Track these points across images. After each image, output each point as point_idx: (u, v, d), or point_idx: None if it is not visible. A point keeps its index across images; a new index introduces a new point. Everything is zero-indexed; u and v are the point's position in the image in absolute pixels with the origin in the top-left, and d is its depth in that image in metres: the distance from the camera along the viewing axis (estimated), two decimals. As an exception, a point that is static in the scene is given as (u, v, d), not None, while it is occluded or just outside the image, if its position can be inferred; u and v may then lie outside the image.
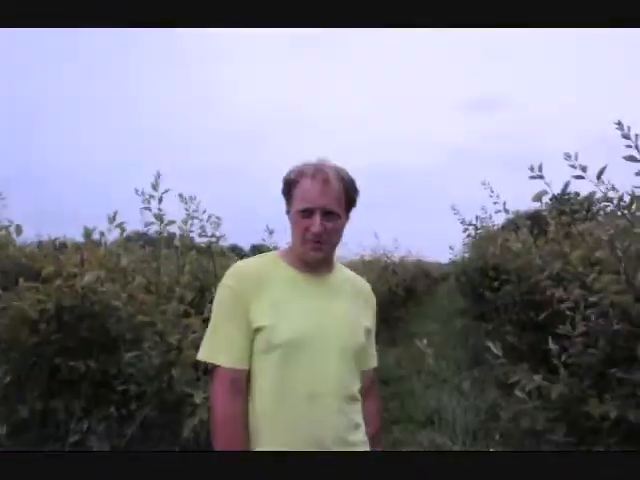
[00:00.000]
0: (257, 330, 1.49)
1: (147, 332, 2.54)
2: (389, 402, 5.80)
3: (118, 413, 2.54)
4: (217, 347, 1.51)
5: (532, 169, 2.58)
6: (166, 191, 2.92)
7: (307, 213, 1.50)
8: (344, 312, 1.58)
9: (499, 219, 6.54)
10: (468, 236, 7.68)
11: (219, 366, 1.48)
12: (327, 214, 1.50)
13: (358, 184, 1.60)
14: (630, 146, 2.20)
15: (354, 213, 1.63)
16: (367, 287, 1.75)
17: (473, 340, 7.80)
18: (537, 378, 2.26)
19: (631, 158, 2.20)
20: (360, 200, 1.62)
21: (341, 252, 10.69)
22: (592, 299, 2.34)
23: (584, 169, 2.32)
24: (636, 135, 2.21)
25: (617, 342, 2.14)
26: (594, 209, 4.62)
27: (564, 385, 2.21)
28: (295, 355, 1.47)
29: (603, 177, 2.29)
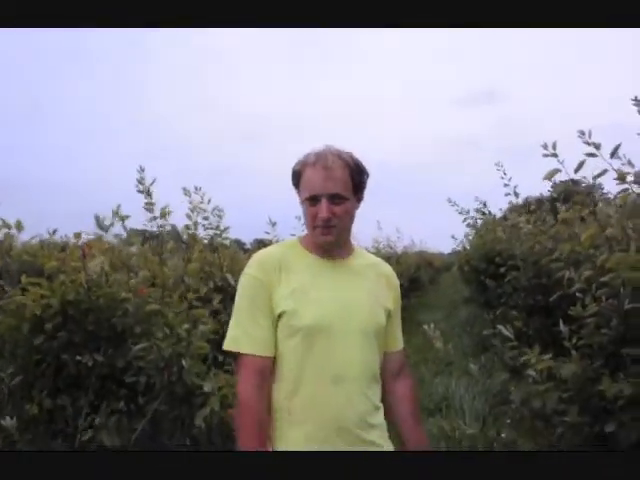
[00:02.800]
0: (280, 315, 1.52)
1: (156, 323, 2.52)
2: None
3: (127, 407, 2.53)
4: (242, 336, 1.53)
5: (545, 147, 2.53)
6: (153, 181, 2.86)
7: (314, 201, 1.54)
8: (364, 295, 1.60)
9: (503, 204, 6.53)
10: (468, 225, 7.70)
11: (245, 354, 1.51)
12: (333, 198, 1.53)
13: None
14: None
15: (363, 206, 1.66)
16: (389, 270, 1.76)
17: (478, 327, 7.79)
18: (548, 358, 2.24)
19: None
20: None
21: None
22: (603, 279, 2.31)
23: (597, 146, 2.28)
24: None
25: (629, 321, 2.11)
26: (600, 192, 4.61)
27: (576, 365, 2.19)
28: (317, 339, 1.50)
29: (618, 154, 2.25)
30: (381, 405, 1.62)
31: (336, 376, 1.49)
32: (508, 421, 3.63)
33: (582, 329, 2.36)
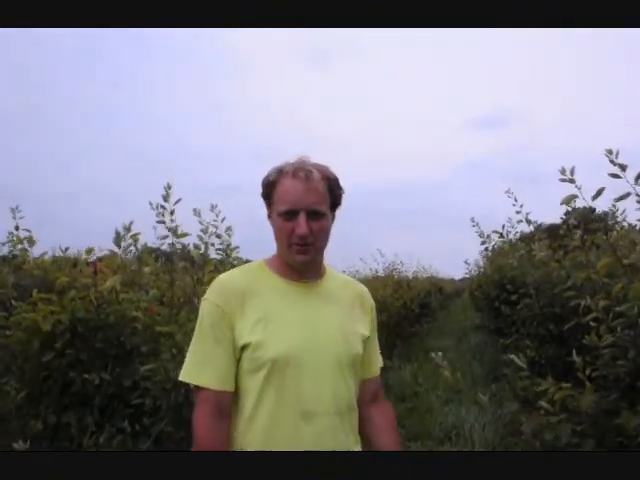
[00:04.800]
0: (243, 348, 1.39)
1: (164, 344, 2.49)
2: (405, 419, 5.73)
3: (132, 427, 2.49)
4: (200, 367, 1.40)
5: (563, 172, 2.50)
6: (178, 201, 2.87)
7: (290, 215, 1.39)
8: (338, 321, 1.48)
9: (518, 230, 6.50)
10: (486, 249, 7.64)
11: (203, 388, 1.38)
12: (312, 214, 1.40)
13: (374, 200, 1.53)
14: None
15: (374, 229, 1.57)
16: (363, 289, 1.64)
17: (490, 355, 7.69)
18: (565, 387, 2.19)
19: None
20: (375, 216, 1.56)
21: (356, 267, 10.72)
22: (619, 309, 2.27)
23: (623, 168, 2.23)
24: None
25: (647, 353, 2.07)
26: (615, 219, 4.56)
27: (592, 397, 2.14)
28: (285, 372, 1.37)
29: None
30: (358, 437, 1.52)
31: (307, 412, 1.37)
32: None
33: (597, 360, 2.31)
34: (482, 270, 9.04)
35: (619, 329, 2.31)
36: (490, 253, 7.87)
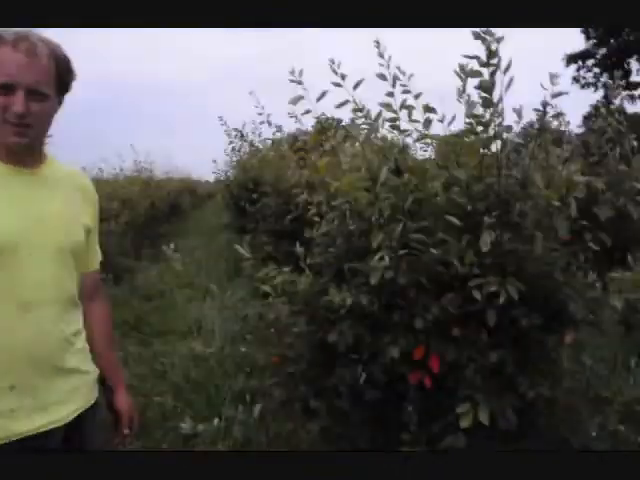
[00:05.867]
0: None
1: None
2: (150, 316, 5.81)
3: None
4: None
5: (292, 72, 2.57)
6: None
7: (6, 89, 1.25)
8: (59, 209, 1.41)
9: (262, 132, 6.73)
10: (232, 149, 7.78)
11: None
12: (33, 93, 1.27)
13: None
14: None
15: (131, 130, 1.46)
16: (87, 182, 1.58)
17: (235, 252, 8.01)
18: (284, 272, 2.42)
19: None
20: (122, 113, 1.46)
21: (99, 165, 10.12)
22: (334, 203, 2.52)
23: (343, 77, 2.38)
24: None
25: (352, 240, 2.36)
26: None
27: (306, 280, 2.40)
28: (2, 260, 1.28)
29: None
30: (83, 329, 1.51)
31: (27, 302, 1.31)
32: (248, 336, 3.86)
33: (314, 248, 2.57)
34: (230, 171, 9.22)
35: (334, 221, 2.57)
36: (237, 154, 8.05)
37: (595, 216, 2.51)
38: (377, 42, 2.38)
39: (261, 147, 6.48)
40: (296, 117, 2.75)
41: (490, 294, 2.00)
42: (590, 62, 23.96)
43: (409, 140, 2.46)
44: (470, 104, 2.18)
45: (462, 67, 2.08)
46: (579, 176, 2.14)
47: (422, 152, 3.23)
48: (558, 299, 2.17)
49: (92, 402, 1.49)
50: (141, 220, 8.60)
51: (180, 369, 3.97)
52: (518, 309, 2.08)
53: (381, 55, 2.30)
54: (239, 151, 7.93)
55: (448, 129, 2.32)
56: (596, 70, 23.84)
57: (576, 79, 24.23)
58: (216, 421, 2.94)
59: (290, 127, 5.94)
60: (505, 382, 2.14)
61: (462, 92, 2.16)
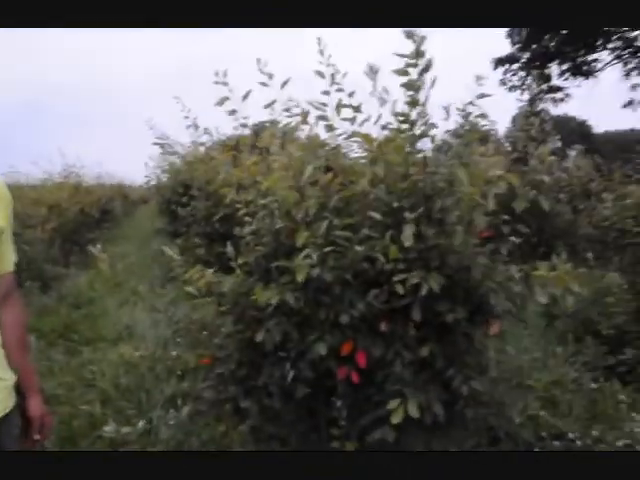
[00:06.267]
0: None
1: None
2: (79, 324, 5.62)
3: None
4: None
5: (217, 74, 2.57)
6: None
7: None
8: None
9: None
10: (161, 154, 7.65)
11: None
12: None
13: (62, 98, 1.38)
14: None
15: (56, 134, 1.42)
16: (0, 183, 1.54)
17: (166, 257, 7.85)
18: (207, 274, 2.39)
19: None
20: (54, 116, 1.42)
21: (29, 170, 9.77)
22: (263, 202, 2.52)
23: (271, 76, 2.40)
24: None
25: (280, 238, 2.35)
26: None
27: (234, 280, 2.38)
28: None
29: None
30: None
31: None
32: (178, 339, 3.80)
33: (243, 247, 2.55)
34: (160, 174, 9.04)
35: (264, 219, 2.56)
36: (167, 158, 7.91)
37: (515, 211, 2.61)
38: (318, 39, 2.40)
39: (183, 152, 6.42)
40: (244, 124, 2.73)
41: (412, 287, 2.03)
42: (515, 66, 24.82)
43: (340, 139, 2.49)
44: (393, 103, 2.23)
45: (371, 67, 2.14)
46: (495, 171, 2.21)
47: (356, 151, 3.27)
48: (480, 292, 2.23)
49: (8, 410, 1.45)
50: (70, 226, 8.28)
51: (110, 376, 3.85)
52: (442, 303, 2.13)
53: (321, 52, 2.32)
54: (170, 155, 7.79)
55: (377, 127, 2.37)
56: (522, 73, 24.71)
57: (503, 82, 25.04)
58: (141, 423, 2.86)
59: (224, 130, 5.86)
60: (431, 376, 2.18)
61: (373, 91, 2.22)
